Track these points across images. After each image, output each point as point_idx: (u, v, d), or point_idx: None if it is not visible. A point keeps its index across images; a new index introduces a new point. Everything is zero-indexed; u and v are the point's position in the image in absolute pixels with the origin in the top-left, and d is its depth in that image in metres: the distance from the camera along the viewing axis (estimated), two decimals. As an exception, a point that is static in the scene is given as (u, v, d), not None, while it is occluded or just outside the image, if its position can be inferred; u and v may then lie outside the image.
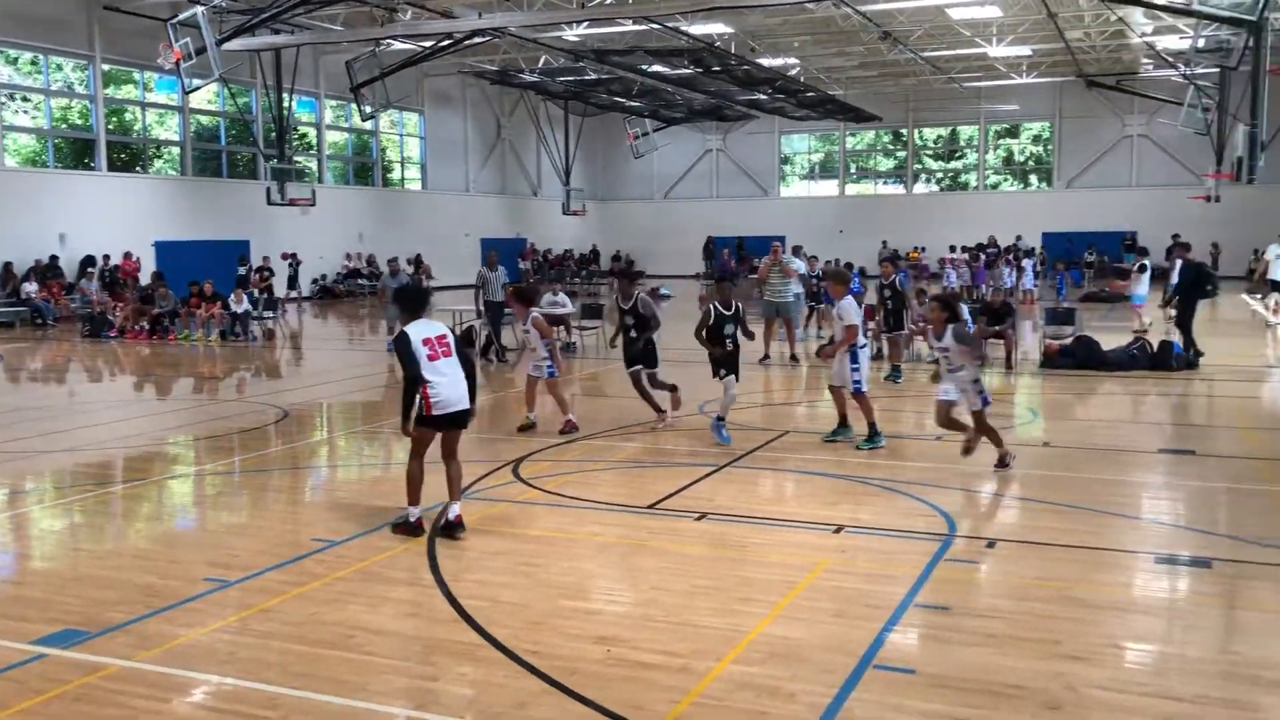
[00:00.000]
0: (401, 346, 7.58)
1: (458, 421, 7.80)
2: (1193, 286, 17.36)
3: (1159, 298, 22.38)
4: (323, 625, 6.02)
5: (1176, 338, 17.03)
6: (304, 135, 37.47)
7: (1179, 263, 18.77)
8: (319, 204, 33.56)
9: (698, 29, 30.33)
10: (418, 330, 7.67)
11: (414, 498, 7.77)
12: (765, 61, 35.52)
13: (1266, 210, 39.00)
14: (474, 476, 9.07)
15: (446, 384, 7.61)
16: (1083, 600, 6.39)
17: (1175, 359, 16.19)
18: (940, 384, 9.91)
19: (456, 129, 43.85)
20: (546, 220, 48.10)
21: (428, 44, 30.93)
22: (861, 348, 10.96)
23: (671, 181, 52.47)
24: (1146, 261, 22.77)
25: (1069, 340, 17.21)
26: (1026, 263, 31.31)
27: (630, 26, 29.96)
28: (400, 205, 41.06)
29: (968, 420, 9.68)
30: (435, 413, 7.62)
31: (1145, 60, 37.62)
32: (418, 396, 7.60)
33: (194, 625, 6.05)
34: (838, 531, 7.78)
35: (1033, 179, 48.55)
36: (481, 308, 18.68)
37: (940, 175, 50.53)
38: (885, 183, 50.97)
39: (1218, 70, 32.11)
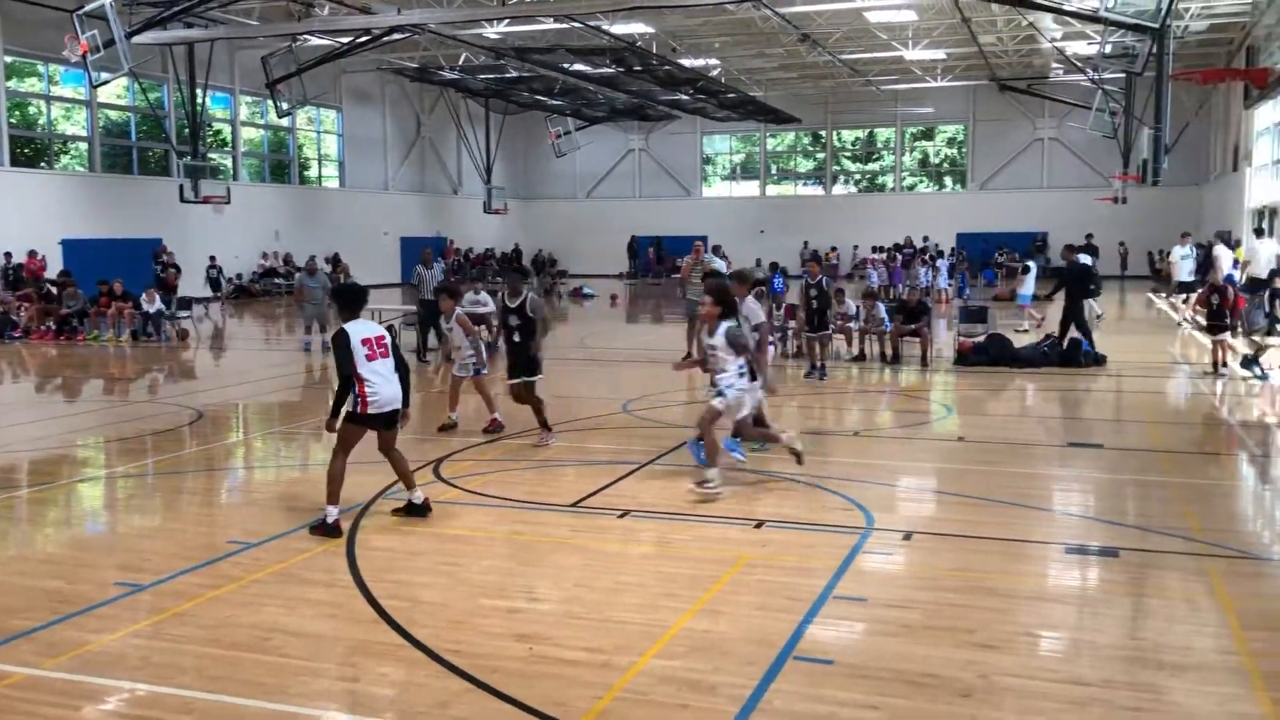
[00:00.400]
0: (340, 344, 7.67)
1: (390, 421, 7.92)
2: (1077, 285, 18.02)
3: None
4: (239, 628, 5.92)
5: (1053, 337, 17.60)
6: (218, 132, 36.71)
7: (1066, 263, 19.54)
8: (234, 202, 32.91)
9: (619, 28, 30.36)
10: (357, 330, 7.76)
11: (334, 497, 7.71)
12: (686, 62, 35.70)
13: (1170, 211, 40.30)
14: (393, 477, 8.97)
15: (383, 384, 7.74)
16: (995, 590, 6.55)
17: (1084, 356, 16.66)
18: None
19: (375, 126, 43.33)
20: (468, 219, 47.77)
21: (345, 40, 30.49)
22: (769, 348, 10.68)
23: (594, 181, 52.48)
24: (1031, 263, 23.79)
25: (982, 338, 17.61)
26: (941, 263, 32.12)
27: (551, 25, 29.89)
28: (317, 203, 40.46)
29: (767, 429, 9.54)
30: (371, 411, 7.72)
31: (1055, 65, 38.58)
32: (352, 395, 7.67)
33: (104, 631, 5.90)
34: (759, 526, 7.87)
35: (948, 181, 49.51)
36: (418, 306, 18.63)
37: (858, 177, 51.27)
38: (805, 184, 51.57)
39: (1124, 75, 33.04)
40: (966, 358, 16.95)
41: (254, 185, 37.65)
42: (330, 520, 7.66)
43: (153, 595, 6.50)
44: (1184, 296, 25.62)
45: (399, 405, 7.88)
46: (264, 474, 10.40)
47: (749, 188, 51.89)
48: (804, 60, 37.49)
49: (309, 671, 5.39)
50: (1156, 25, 21.85)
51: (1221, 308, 16.12)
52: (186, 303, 25.14)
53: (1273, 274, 20.98)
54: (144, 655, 5.58)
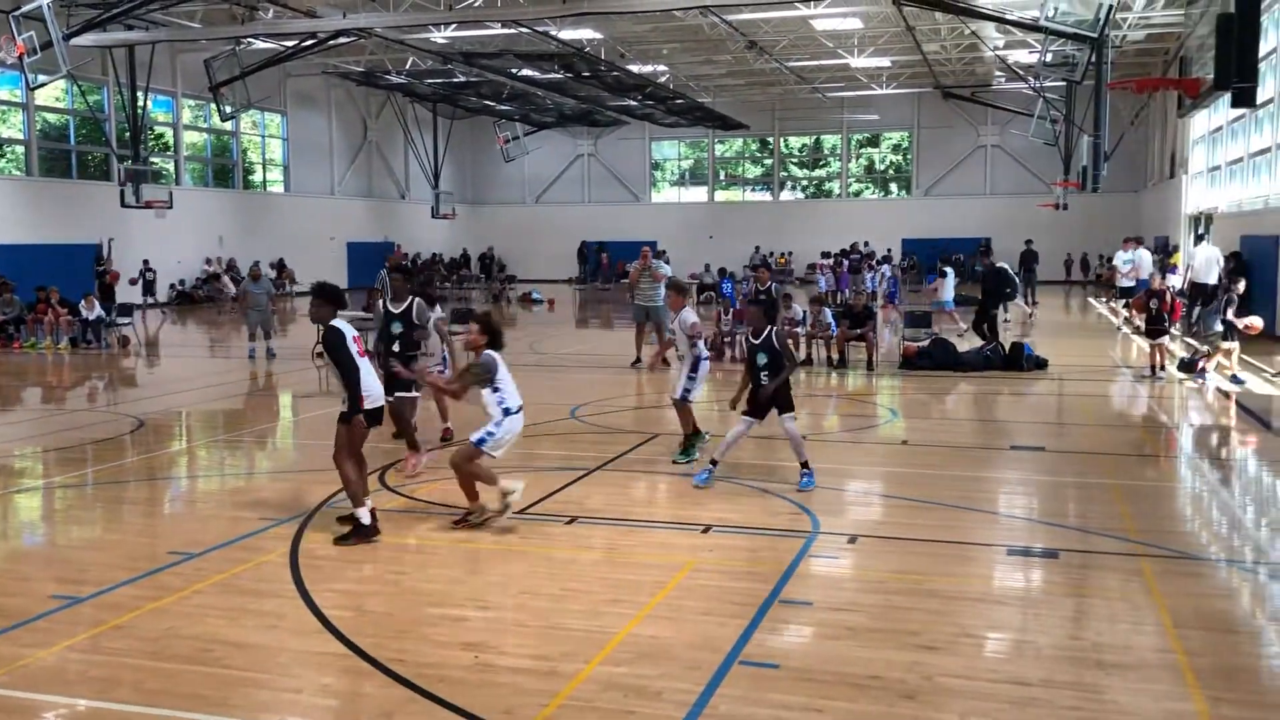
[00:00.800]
0: (337, 342, 7.69)
1: (378, 418, 8.02)
2: (994, 287, 18.46)
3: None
4: (180, 640, 5.84)
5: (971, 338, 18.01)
6: (160, 135, 36.15)
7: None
8: (176, 207, 32.40)
9: (567, 34, 30.36)
10: (347, 327, 7.85)
11: (359, 499, 7.70)
12: (634, 68, 35.77)
13: (1110, 217, 41.08)
14: (338, 485, 8.89)
15: (373, 381, 7.90)
16: (939, 592, 6.63)
17: (1026, 360, 16.92)
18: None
19: (321, 130, 42.90)
20: (415, 224, 47.45)
21: (290, 43, 30.18)
22: (704, 359, 10.42)
23: (543, 185, 52.37)
24: (949, 269, 24.38)
25: (926, 342, 17.83)
26: (885, 268, 32.53)
27: (499, 30, 29.79)
28: (262, 208, 39.96)
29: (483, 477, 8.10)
30: (368, 406, 7.77)
31: (998, 73, 39.15)
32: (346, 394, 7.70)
33: (41, 645, 5.79)
34: (706, 531, 7.90)
35: (893, 187, 50.02)
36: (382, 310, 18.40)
37: (806, 183, 51.65)
38: (753, 189, 51.87)
39: (1064, 84, 33.64)
40: (911, 362, 17.14)
41: (197, 190, 37.11)
42: (365, 522, 7.63)
43: (92, 608, 6.39)
44: (1124, 301, 26.11)
45: (383, 402, 8.04)
46: (207, 483, 10.26)
47: (698, 193, 52.08)
48: (751, 67, 37.73)
49: (251, 683, 5.33)
50: (1095, 35, 22.26)
51: (1160, 311, 16.44)
52: (127, 309, 24.70)
53: (1227, 278, 21.45)
54: (81, 669, 5.48)
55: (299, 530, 7.94)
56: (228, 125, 36.37)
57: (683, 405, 10.40)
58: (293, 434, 13.32)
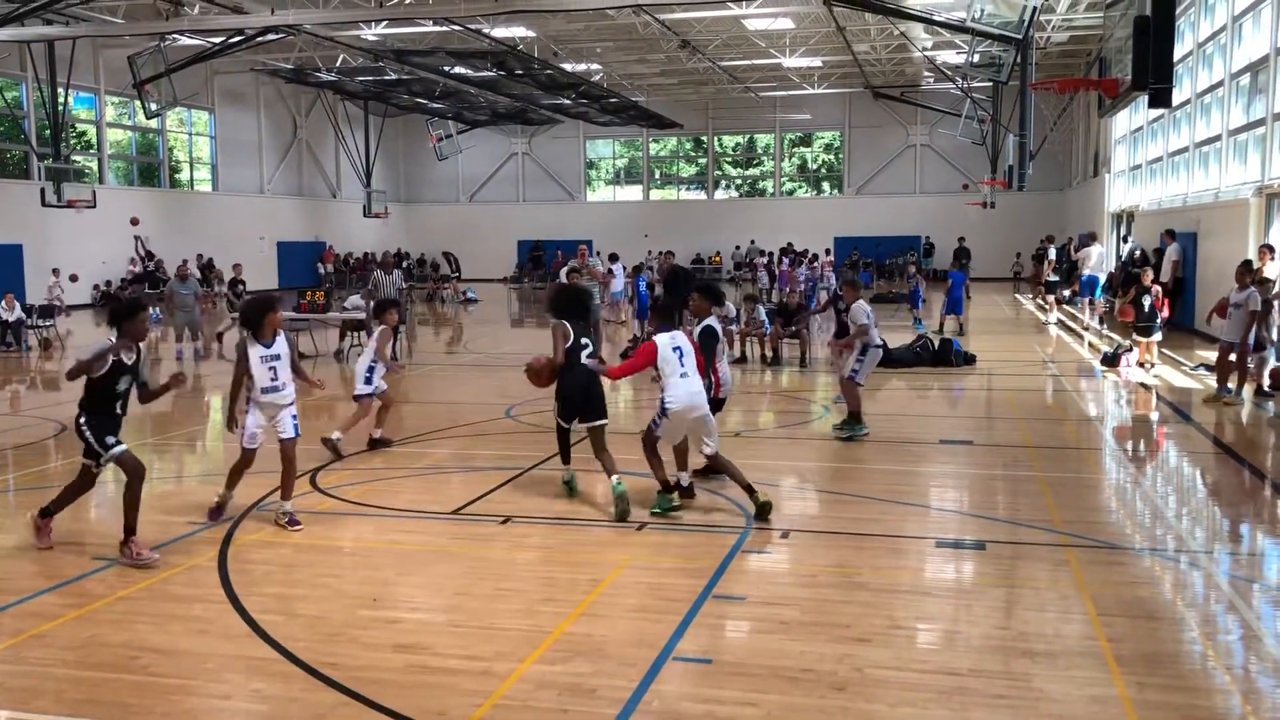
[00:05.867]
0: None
1: None
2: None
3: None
4: (105, 648, 5.72)
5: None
6: (83, 133, 35.35)
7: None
8: (100, 206, 31.68)
9: (500, 32, 30.22)
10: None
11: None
12: (568, 66, 35.72)
13: (1037, 215, 41.91)
14: (268, 488, 8.77)
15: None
16: (870, 585, 6.72)
17: (955, 355, 17.19)
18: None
19: (250, 128, 42.24)
20: (347, 223, 46.92)
21: (217, 40, 29.64)
22: (875, 346, 11.54)
23: (477, 184, 52.09)
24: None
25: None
26: (817, 264, 32.85)
27: (431, 27, 29.58)
28: (190, 207, 39.23)
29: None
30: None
31: (926, 74, 39.74)
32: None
33: (-42, 656, 5.64)
34: (640, 529, 7.92)
35: (825, 186, 50.53)
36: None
37: (740, 182, 51.98)
38: (688, 188, 52.06)
39: (991, 84, 34.23)
40: (844, 359, 17.30)
41: (122, 189, 36.34)
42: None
43: (11, 617, 6.23)
44: (1053, 296, 26.70)
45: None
46: (132, 488, 10.03)
47: (633, 192, 52.16)
48: (685, 66, 37.88)
49: (178, 690, 5.23)
50: (1020, 36, 22.67)
51: (1152, 309, 16.49)
52: (49, 310, 24.12)
53: (1132, 268, 22.01)
54: (0, 680, 5.34)
55: (228, 533, 7.82)
56: (153, 123, 35.66)
57: (850, 384, 11.49)
58: (223, 436, 13.08)
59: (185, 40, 30.39)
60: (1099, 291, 26.04)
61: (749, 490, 8.09)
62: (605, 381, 9.04)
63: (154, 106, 31.36)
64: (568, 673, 5.34)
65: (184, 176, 40.42)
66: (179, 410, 14.93)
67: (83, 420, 7.31)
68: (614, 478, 8.30)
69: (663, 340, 8.28)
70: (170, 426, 13.30)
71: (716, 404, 9.17)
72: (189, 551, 7.42)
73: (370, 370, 10.90)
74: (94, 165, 35.22)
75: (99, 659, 5.57)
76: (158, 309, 22.97)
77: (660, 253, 35.72)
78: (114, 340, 7.29)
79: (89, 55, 33.35)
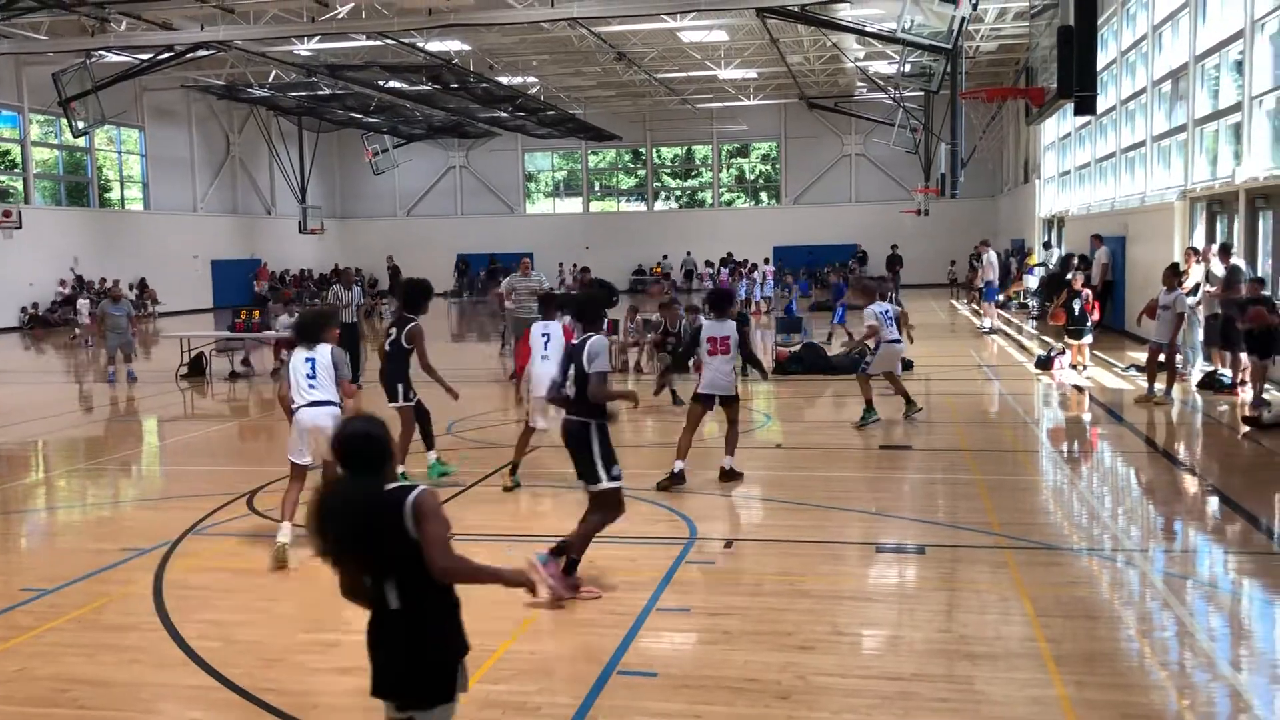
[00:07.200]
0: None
1: None
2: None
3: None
4: (33, 681, 5.56)
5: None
6: (6, 152, 34.54)
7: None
8: (26, 226, 30.99)
9: (434, 45, 30.07)
10: None
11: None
12: (505, 79, 35.63)
13: (970, 221, 42.56)
14: (204, 511, 8.61)
15: None
16: (812, 592, 6.75)
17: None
18: None
19: (181, 146, 41.57)
20: (282, 240, 46.30)
21: (145, 56, 29.15)
22: (894, 341, 12.79)
23: (414, 198, 51.73)
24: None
25: (798, 347, 18.17)
26: (757, 274, 33.21)
27: (365, 42, 29.36)
28: (120, 227, 38.46)
29: None
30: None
31: (859, 84, 40.22)
32: None
33: (-121, 694, 5.45)
34: (584, 543, 7.88)
35: (763, 196, 50.91)
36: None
37: (679, 193, 52.20)
38: (628, 200, 52.17)
39: (922, 94, 34.75)
40: (784, 366, 17.44)
41: (49, 209, 35.55)
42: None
43: (-65, 652, 6.04)
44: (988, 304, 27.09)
45: None
46: (67, 515, 9.81)
47: (573, 204, 52.15)
48: (621, 79, 37.98)
49: (112, 722, 5.11)
50: (949, 46, 23.04)
51: (1083, 312, 16.82)
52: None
53: (1063, 272, 22.43)
54: (-76, 718, 5.18)
55: (164, 559, 7.65)
56: (81, 141, 34.94)
57: (863, 377, 12.77)
58: (159, 460, 12.84)
59: (112, 57, 29.85)
60: (993, 295, 26.21)
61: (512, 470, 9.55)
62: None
63: (81, 124, 30.73)
64: (512, 691, 5.29)
65: (114, 195, 39.66)
66: (111, 434, 14.63)
67: None
68: None
69: (535, 328, 9.89)
70: (103, 451, 13.02)
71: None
72: (123, 580, 7.25)
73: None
74: (19, 185, 34.44)
75: (28, 693, 5.41)
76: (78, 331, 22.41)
77: (575, 266, 35.78)
78: None
79: (12, 72, 32.66)
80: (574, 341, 7.06)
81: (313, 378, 7.67)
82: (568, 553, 6.66)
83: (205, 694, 5.38)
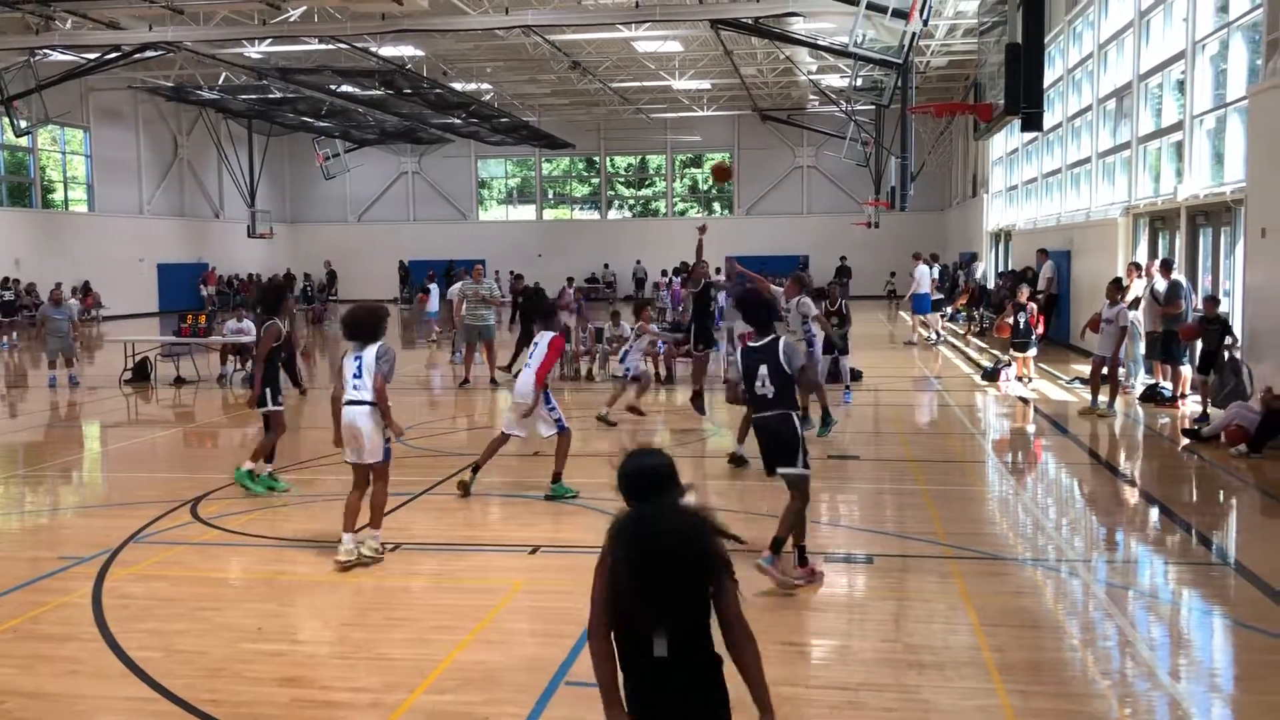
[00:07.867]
0: None
1: None
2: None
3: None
4: (-34, 694, 5.43)
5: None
6: (-54, 151, 33.83)
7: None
8: (-35, 227, 30.35)
9: (388, 50, 29.89)
10: None
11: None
12: (458, 86, 35.50)
13: (919, 234, 42.99)
14: (147, 519, 8.46)
15: None
16: (760, 602, 6.75)
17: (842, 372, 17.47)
18: None
19: (128, 147, 40.94)
20: (231, 244, 45.73)
21: (91, 56, 28.69)
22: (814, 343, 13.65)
23: (366, 203, 51.34)
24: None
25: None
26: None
27: (317, 45, 29.10)
28: (64, 228, 37.78)
29: None
30: None
31: (812, 97, 40.59)
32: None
33: None
34: (534, 552, 7.86)
35: (716, 206, 51.12)
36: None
37: (632, 202, 52.28)
38: (581, 208, 52.15)
39: (873, 107, 35.11)
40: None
41: (-11, 209, 34.85)
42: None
43: None
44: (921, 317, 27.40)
45: None
46: (3, 522, 9.56)
47: (526, 212, 52.03)
48: (576, 87, 37.99)
49: (47, 735, 5.00)
50: (900, 61, 23.30)
51: (1027, 325, 17.06)
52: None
53: (1016, 286, 22.70)
54: None
55: (103, 568, 7.51)
56: (23, 141, 34.29)
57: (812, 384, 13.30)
58: (100, 466, 12.61)
59: (57, 55, 29.32)
60: (927, 308, 26.39)
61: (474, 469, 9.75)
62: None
63: (23, 124, 30.20)
64: (458, 701, 5.25)
65: (58, 197, 38.95)
66: (51, 440, 14.35)
67: None
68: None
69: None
70: (43, 457, 12.76)
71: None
72: (60, 589, 7.10)
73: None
74: (-41, 185, 33.73)
75: (-40, 705, 5.29)
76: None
77: (512, 273, 35.73)
78: None
79: (-48, 70, 31.98)
80: (754, 344, 7.41)
81: (358, 377, 7.60)
82: (795, 543, 7.28)
83: (145, 705, 5.28)
